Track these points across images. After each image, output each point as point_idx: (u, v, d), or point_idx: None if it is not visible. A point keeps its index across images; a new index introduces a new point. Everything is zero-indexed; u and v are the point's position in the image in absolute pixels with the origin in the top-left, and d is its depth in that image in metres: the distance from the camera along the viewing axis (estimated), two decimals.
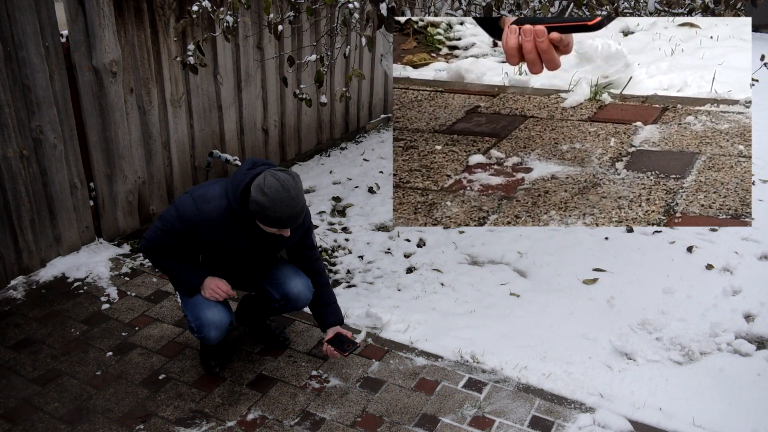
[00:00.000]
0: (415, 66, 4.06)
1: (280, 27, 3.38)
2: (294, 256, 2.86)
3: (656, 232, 4.43)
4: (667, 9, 3.92)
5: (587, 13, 3.71)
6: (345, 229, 4.47)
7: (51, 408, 2.72)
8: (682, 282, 3.81)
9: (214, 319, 2.69)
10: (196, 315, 2.71)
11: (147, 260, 2.76)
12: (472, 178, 3.05)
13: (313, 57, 4.26)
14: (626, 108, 3.55)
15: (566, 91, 3.69)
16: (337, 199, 4.93)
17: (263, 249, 2.71)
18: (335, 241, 4.28)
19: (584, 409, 2.77)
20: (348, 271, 3.95)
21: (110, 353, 3.07)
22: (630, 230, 4.45)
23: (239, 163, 4.37)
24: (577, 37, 2.49)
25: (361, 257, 4.09)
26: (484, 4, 3.43)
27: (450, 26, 4.22)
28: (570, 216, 2.74)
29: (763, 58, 3.73)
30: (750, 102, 3.47)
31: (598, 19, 1.95)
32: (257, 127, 4.94)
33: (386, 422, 2.69)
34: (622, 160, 3.10)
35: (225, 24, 3.16)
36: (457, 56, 4.26)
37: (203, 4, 3.20)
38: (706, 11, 3.71)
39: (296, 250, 2.84)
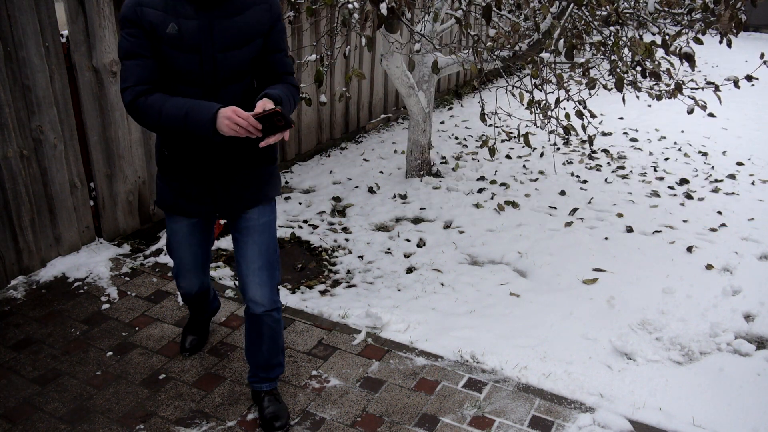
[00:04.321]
0: None
1: None
2: (264, 70, 2.35)
3: (656, 232, 4.44)
4: (667, 9, 3.91)
5: (587, 14, 3.71)
6: (345, 229, 4.47)
7: (51, 408, 2.72)
8: (682, 282, 3.81)
9: (188, 270, 2.69)
10: (176, 259, 2.68)
11: (144, 118, 2.15)
12: None
13: (313, 57, 4.27)
14: None
15: None
16: (337, 199, 4.93)
17: (223, 46, 2.20)
18: (335, 241, 4.28)
19: (584, 409, 2.77)
20: (348, 271, 3.95)
21: (110, 353, 3.07)
22: (630, 230, 4.45)
23: None
24: None
25: (361, 257, 4.09)
26: (483, 4, 3.43)
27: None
28: None
29: (762, 56, 3.73)
30: None
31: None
32: None
33: (386, 422, 2.69)
34: None
35: None
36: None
37: None
38: (706, 11, 3.70)
39: (266, 59, 2.33)
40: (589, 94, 4.22)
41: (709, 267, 3.99)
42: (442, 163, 5.62)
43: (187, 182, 2.40)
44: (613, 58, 3.98)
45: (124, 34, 2.14)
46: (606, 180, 5.34)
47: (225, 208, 2.44)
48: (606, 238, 4.32)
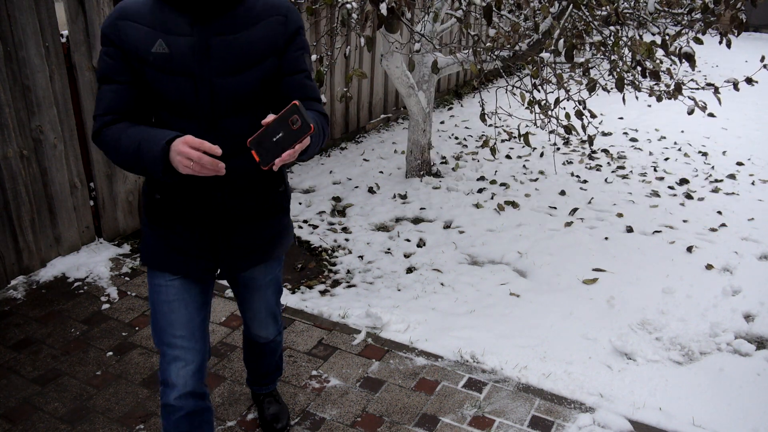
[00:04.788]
0: None
1: None
2: (281, 97, 1.90)
3: (656, 232, 4.44)
4: (667, 9, 3.91)
5: (587, 14, 3.71)
6: (345, 229, 4.47)
7: (51, 408, 2.72)
8: (681, 282, 3.81)
9: (176, 369, 1.96)
10: (162, 330, 1.99)
11: (107, 154, 1.80)
12: None
13: (313, 57, 4.27)
14: None
15: None
16: (337, 199, 4.93)
17: (224, 69, 1.79)
18: (335, 241, 4.28)
19: (584, 409, 2.77)
20: (348, 271, 3.95)
21: (110, 353, 3.07)
22: (630, 230, 4.45)
23: None
24: None
25: (361, 257, 4.09)
26: (483, 4, 3.43)
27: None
28: None
29: (763, 59, 3.73)
30: None
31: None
32: None
33: (386, 422, 2.69)
34: None
35: None
36: None
37: None
38: (706, 11, 3.70)
39: (282, 84, 1.89)
40: (589, 94, 4.22)
41: (709, 267, 3.99)
42: (442, 163, 5.62)
43: (183, 233, 1.94)
44: (613, 58, 3.98)
45: (102, 53, 1.79)
46: (606, 180, 5.34)
47: (227, 265, 2.02)
48: (606, 238, 4.32)
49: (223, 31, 1.77)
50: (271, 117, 1.57)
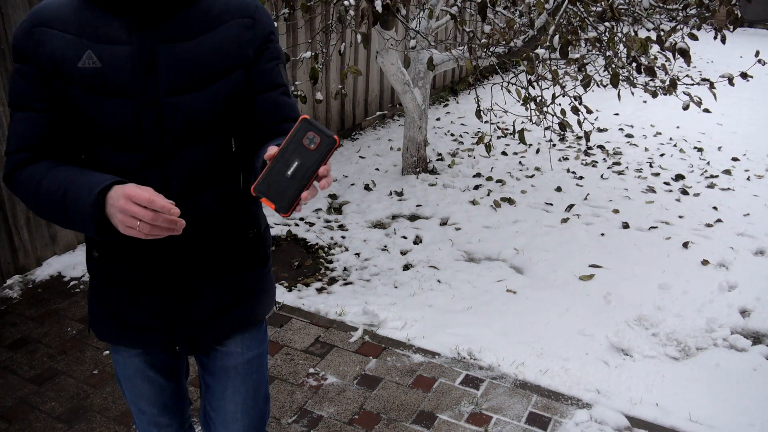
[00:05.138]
0: None
1: (275, 24, 3.37)
2: (252, 120, 1.46)
3: (652, 228, 4.44)
4: (662, 5, 3.92)
5: (582, 10, 3.71)
6: (341, 227, 4.46)
7: (48, 407, 2.72)
8: (678, 278, 3.81)
9: None
10: (132, 405, 1.72)
11: (24, 202, 1.40)
12: None
13: (308, 54, 4.26)
14: None
15: None
16: (333, 196, 4.93)
17: (175, 86, 1.36)
18: (332, 238, 4.28)
19: (581, 405, 2.78)
20: (345, 269, 3.95)
21: (107, 352, 3.06)
22: (626, 226, 4.46)
23: None
24: None
25: (357, 254, 4.08)
26: (479, 0, 3.43)
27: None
28: None
29: (757, 54, 3.74)
30: None
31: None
32: None
33: (384, 419, 2.69)
34: None
35: None
36: None
37: None
38: (701, 6, 3.71)
39: (253, 103, 1.45)
40: (585, 90, 4.23)
41: (705, 262, 4.00)
42: (438, 159, 5.62)
43: (129, 299, 1.50)
44: (608, 54, 3.98)
45: (14, 72, 1.38)
46: (602, 176, 5.35)
47: (188, 338, 1.54)
48: (602, 234, 4.33)
49: (172, 37, 1.35)
50: (273, 149, 1.15)
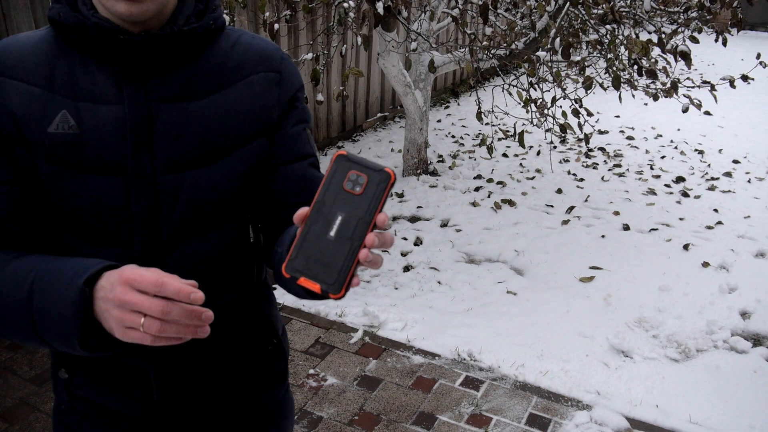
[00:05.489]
0: None
1: (276, 26, 3.38)
2: (274, 199, 1.12)
3: (653, 230, 4.45)
4: (663, 8, 3.92)
5: (583, 12, 3.71)
6: None
7: (48, 408, 2.72)
8: (678, 279, 3.82)
9: None
10: None
11: None
12: None
13: (310, 56, 4.27)
14: None
15: None
16: None
17: (178, 160, 1.04)
18: None
19: (581, 407, 2.78)
20: None
21: None
22: (626, 228, 4.46)
23: None
24: None
25: None
26: (480, 2, 3.43)
27: None
28: None
29: (758, 56, 3.74)
30: None
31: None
32: None
33: (384, 420, 2.69)
34: None
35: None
36: None
37: None
38: (702, 9, 3.71)
39: (277, 176, 1.12)
40: (586, 92, 4.23)
41: (705, 265, 4.00)
42: (438, 161, 5.62)
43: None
44: (609, 56, 3.99)
45: None
46: (602, 178, 5.35)
47: None
48: (603, 236, 4.33)
49: (175, 95, 1.02)
50: (305, 208, 0.80)
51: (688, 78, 4.89)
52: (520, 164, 5.61)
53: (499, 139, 6.18)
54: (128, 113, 1.00)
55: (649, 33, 3.93)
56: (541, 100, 4.21)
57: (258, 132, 1.08)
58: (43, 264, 0.92)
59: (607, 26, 3.90)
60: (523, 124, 5.09)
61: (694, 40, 3.85)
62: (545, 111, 4.23)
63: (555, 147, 6.02)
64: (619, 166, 5.64)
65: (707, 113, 4.65)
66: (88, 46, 0.99)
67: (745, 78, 3.85)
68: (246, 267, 1.16)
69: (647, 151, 6.02)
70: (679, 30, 4.03)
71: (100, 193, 1.01)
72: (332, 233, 0.81)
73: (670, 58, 3.73)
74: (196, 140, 1.03)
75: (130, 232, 1.03)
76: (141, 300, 0.79)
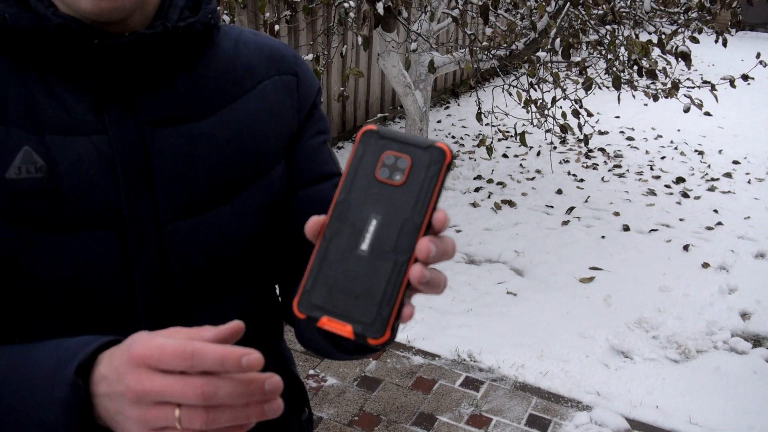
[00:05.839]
0: None
1: (276, 26, 3.38)
2: (301, 220, 0.71)
3: (653, 230, 4.45)
4: (663, 8, 3.92)
5: (583, 13, 3.71)
6: None
7: None
8: (678, 280, 3.81)
9: None
10: None
11: None
12: None
13: (310, 56, 4.27)
14: None
15: None
16: None
17: (193, 200, 0.77)
18: None
19: (581, 408, 2.78)
20: None
21: None
22: (626, 229, 4.46)
23: None
24: None
25: None
26: (480, 3, 3.44)
27: None
28: None
29: (758, 56, 3.75)
30: None
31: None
32: None
33: (384, 421, 2.69)
34: None
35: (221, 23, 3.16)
36: None
37: None
38: (702, 10, 3.71)
39: (301, 195, 0.87)
40: (586, 93, 4.23)
41: (705, 265, 3.99)
42: None
43: None
44: (609, 57, 3.99)
45: None
46: (602, 179, 5.35)
47: None
48: (603, 237, 4.33)
49: (171, 116, 0.77)
50: (318, 218, 0.54)
51: (688, 78, 4.88)
52: (520, 165, 5.61)
53: (499, 140, 6.17)
54: (114, 144, 0.73)
55: (649, 33, 3.93)
56: (541, 101, 4.21)
57: (279, 153, 0.85)
58: (11, 354, 0.65)
59: (607, 27, 3.90)
60: (523, 125, 5.09)
61: (694, 41, 3.85)
62: (545, 111, 4.23)
63: (555, 147, 6.02)
64: (619, 166, 5.64)
65: (707, 114, 4.66)
66: (49, 59, 0.71)
67: (745, 78, 3.86)
68: (276, 328, 0.97)
69: (647, 152, 6.02)
70: (679, 30, 4.04)
71: (87, 257, 0.73)
72: (364, 246, 0.53)
73: (671, 58, 3.73)
74: (209, 172, 0.78)
75: (131, 304, 0.77)
76: (168, 384, 0.52)
